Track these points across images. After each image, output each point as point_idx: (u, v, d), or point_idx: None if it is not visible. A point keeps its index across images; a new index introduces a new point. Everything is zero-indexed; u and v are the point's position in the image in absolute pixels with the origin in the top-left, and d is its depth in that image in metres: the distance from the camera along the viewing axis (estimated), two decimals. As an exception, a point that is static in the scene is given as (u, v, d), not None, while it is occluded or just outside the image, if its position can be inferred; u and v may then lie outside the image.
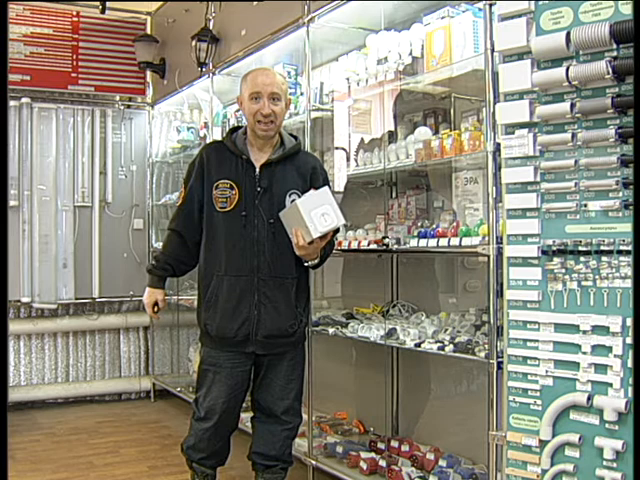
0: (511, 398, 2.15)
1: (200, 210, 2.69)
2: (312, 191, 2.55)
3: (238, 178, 2.64)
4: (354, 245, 3.14)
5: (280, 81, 2.64)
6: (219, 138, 4.16)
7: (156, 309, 2.82)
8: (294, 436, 2.83)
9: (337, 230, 2.81)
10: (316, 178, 2.73)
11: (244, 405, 2.87)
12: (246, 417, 2.98)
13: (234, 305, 2.62)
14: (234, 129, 2.79)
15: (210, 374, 2.70)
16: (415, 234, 2.84)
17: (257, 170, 2.65)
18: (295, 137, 2.79)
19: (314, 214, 2.47)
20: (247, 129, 2.72)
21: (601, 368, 1.93)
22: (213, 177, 2.67)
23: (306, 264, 2.68)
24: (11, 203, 4.72)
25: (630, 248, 1.86)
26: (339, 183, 3.39)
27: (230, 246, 2.63)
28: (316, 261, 2.66)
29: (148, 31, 5.31)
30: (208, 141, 4.29)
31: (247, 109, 2.64)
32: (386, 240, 2.90)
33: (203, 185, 2.68)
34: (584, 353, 1.96)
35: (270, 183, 2.64)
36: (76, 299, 5.02)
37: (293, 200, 2.63)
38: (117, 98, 5.29)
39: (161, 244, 4.71)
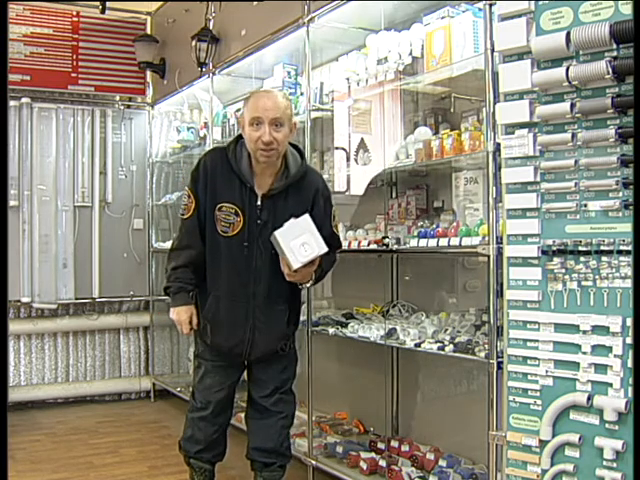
0: (511, 398, 2.15)
1: (205, 222, 2.64)
2: (292, 220, 2.47)
3: (243, 205, 2.58)
4: (354, 245, 3.14)
5: (284, 105, 2.52)
6: (219, 138, 4.16)
7: (186, 328, 2.67)
8: (289, 425, 2.83)
9: (339, 247, 2.79)
10: (317, 200, 2.65)
11: (242, 405, 2.89)
12: (243, 416, 2.99)
13: (230, 328, 2.64)
14: (239, 137, 2.65)
15: (203, 366, 2.76)
16: (415, 234, 2.84)
17: (259, 200, 2.58)
18: (300, 152, 2.69)
19: (293, 245, 2.42)
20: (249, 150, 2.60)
21: (601, 368, 1.93)
22: (217, 195, 2.60)
23: (300, 287, 2.68)
24: (11, 203, 4.72)
25: (630, 248, 1.86)
26: (339, 183, 3.39)
27: (230, 271, 2.62)
28: (310, 283, 2.64)
29: (148, 31, 5.31)
30: (208, 141, 4.29)
31: (248, 135, 2.53)
32: (386, 240, 2.90)
33: (206, 197, 2.61)
34: (584, 353, 1.96)
35: (271, 216, 2.58)
36: (76, 299, 5.01)
37: None
38: (117, 98, 5.29)
39: (161, 243, 4.69)
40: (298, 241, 2.43)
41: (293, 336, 2.80)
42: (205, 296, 2.67)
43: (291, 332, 2.77)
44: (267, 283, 2.62)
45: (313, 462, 3.24)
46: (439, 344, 2.68)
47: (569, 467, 1.99)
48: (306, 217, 2.48)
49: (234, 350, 2.68)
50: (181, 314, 2.67)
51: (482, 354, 2.46)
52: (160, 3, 5.19)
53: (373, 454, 3.13)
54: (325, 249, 2.47)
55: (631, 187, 1.86)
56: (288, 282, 2.60)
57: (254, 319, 2.64)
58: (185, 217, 2.67)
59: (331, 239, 2.62)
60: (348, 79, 3.18)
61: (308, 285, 2.68)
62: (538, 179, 2.08)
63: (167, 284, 2.70)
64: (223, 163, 2.62)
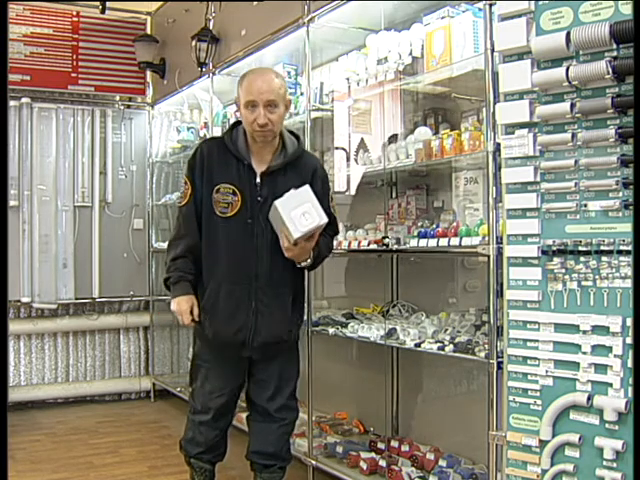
0: (511, 398, 2.15)
1: (202, 208, 2.64)
2: (292, 190, 2.47)
3: (241, 183, 2.59)
4: (354, 245, 3.14)
5: (277, 85, 2.54)
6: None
7: (187, 318, 2.60)
8: (291, 431, 2.82)
9: (336, 232, 2.79)
10: (315, 180, 2.65)
11: (243, 405, 2.88)
12: (245, 417, 2.98)
13: (231, 312, 2.59)
14: (235, 124, 2.71)
15: (203, 370, 2.71)
16: (415, 234, 2.84)
17: (258, 178, 2.59)
18: (296, 136, 2.72)
19: (294, 214, 2.40)
20: (245, 131, 2.64)
21: (601, 368, 1.93)
22: (214, 178, 2.60)
23: (299, 266, 2.63)
24: (11, 203, 4.72)
25: (630, 248, 1.86)
26: (339, 183, 3.39)
27: (230, 253, 2.59)
28: (308, 262, 2.60)
29: (148, 31, 5.31)
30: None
31: (244, 117, 2.57)
32: (386, 240, 2.90)
33: (202, 182, 2.62)
34: (584, 353, 1.96)
35: (270, 192, 2.57)
36: (76, 299, 5.02)
37: None
38: (117, 98, 5.29)
39: (161, 243, 4.68)
40: (299, 211, 2.41)
41: (297, 330, 2.75)
42: (204, 285, 2.63)
43: (295, 321, 2.71)
44: (269, 262, 2.58)
45: (313, 462, 3.24)
46: (439, 344, 2.67)
47: (569, 467, 1.99)
48: (306, 188, 2.47)
49: (236, 338, 2.59)
50: (182, 304, 2.61)
51: (482, 354, 2.46)
52: (160, 3, 5.19)
53: (373, 454, 3.13)
54: (325, 219, 2.45)
55: (631, 187, 1.86)
56: (291, 263, 2.58)
57: (257, 302, 2.58)
58: (182, 204, 2.67)
59: (328, 219, 2.59)
60: (348, 79, 3.19)
61: (305, 264, 2.61)
62: (538, 179, 2.08)
63: (166, 275, 2.67)
64: (219, 148, 2.65)
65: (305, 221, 2.41)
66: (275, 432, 2.74)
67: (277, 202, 2.43)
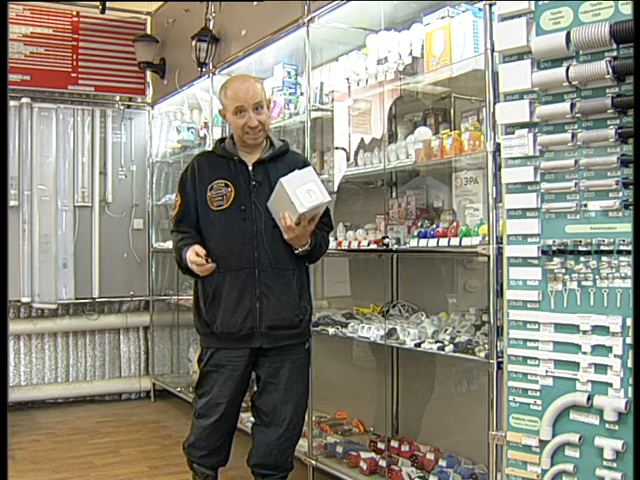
0: (511, 398, 2.15)
1: (196, 213, 2.71)
2: (297, 171, 2.58)
3: (232, 176, 2.68)
4: (354, 245, 3.14)
5: (259, 88, 2.67)
6: (218, 138, 4.17)
7: (200, 260, 2.55)
8: (295, 444, 2.79)
9: (330, 226, 2.80)
10: None
11: (244, 405, 2.87)
12: (246, 417, 2.97)
13: (236, 299, 2.62)
14: (221, 140, 2.83)
15: (213, 374, 2.70)
16: (415, 234, 2.85)
17: (250, 167, 2.69)
18: (282, 140, 2.84)
19: (299, 191, 2.49)
20: (234, 137, 2.75)
21: (601, 368, 1.93)
22: (206, 180, 2.70)
23: (297, 251, 2.65)
24: (11, 203, 4.73)
25: (630, 248, 1.86)
26: (339, 183, 3.38)
27: (229, 242, 2.64)
28: (306, 247, 2.64)
29: (148, 31, 5.32)
30: (208, 141, 4.31)
31: (233, 123, 2.67)
32: (386, 240, 2.91)
33: (195, 190, 2.70)
34: (584, 353, 1.96)
35: (264, 178, 2.68)
36: (76, 299, 5.02)
37: None
38: (117, 98, 5.29)
39: (161, 243, 4.70)
40: (303, 188, 2.50)
41: (308, 321, 2.75)
42: (208, 280, 2.65)
43: (303, 306, 2.71)
44: (269, 245, 2.63)
45: (313, 462, 3.24)
46: (439, 344, 2.67)
47: (569, 467, 1.99)
48: (310, 168, 2.60)
49: (245, 326, 2.60)
50: (190, 257, 2.59)
51: (482, 354, 2.46)
52: (160, 3, 5.19)
53: (373, 454, 3.13)
54: (329, 198, 2.55)
55: (631, 187, 1.86)
56: (291, 247, 2.63)
57: (260, 286, 2.62)
58: (173, 216, 2.79)
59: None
60: (348, 79, 3.18)
61: (304, 249, 2.64)
62: (538, 179, 2.08)
63: (176, 257, 2.70)
64: (209, 157, 2.80)
65: (310, 198, 2.50)
66: (279, 446, 2.72)
67: (282, 179, 2.52)
